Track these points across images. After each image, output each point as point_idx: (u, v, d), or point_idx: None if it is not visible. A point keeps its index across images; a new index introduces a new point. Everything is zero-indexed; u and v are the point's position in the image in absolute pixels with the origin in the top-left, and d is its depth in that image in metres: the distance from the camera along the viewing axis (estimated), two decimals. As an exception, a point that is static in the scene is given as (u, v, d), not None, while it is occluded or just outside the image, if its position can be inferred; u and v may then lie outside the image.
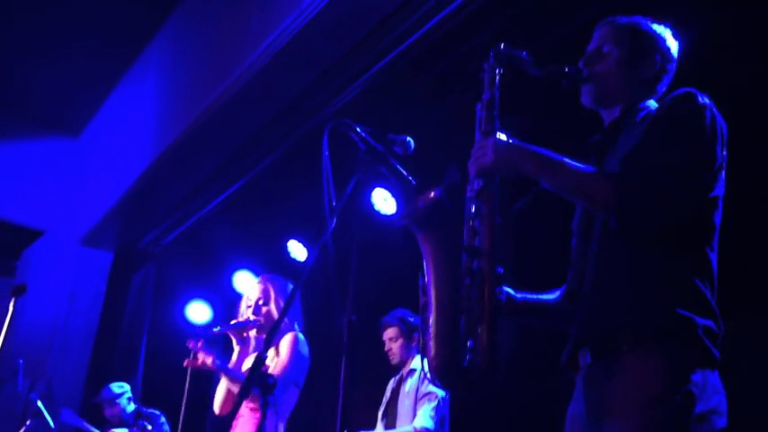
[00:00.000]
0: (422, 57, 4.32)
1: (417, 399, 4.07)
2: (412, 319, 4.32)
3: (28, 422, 4.85)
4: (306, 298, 3.42)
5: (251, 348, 3.53)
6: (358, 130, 2.07)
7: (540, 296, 2.12)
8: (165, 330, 7.07)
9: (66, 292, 6.84)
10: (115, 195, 6.41)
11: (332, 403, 4.88)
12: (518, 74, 1.92)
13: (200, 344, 3.27)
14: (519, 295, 2.07)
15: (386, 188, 5.53)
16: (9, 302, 3.32)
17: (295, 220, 6.29)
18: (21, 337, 6.33)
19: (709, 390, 1.69)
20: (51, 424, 5.02)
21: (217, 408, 3.44)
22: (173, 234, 6.80)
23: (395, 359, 4.29)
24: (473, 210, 1.96)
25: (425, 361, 1.95)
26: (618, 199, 1.74)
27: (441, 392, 4.05)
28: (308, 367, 3.43)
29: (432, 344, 1.92)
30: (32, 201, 7.23)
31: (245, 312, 3.55)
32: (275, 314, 3.46)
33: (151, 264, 7.01)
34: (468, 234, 1.97)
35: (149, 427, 4.91)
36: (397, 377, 4.36)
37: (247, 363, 3.48)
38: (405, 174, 2.06)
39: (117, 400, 5.72)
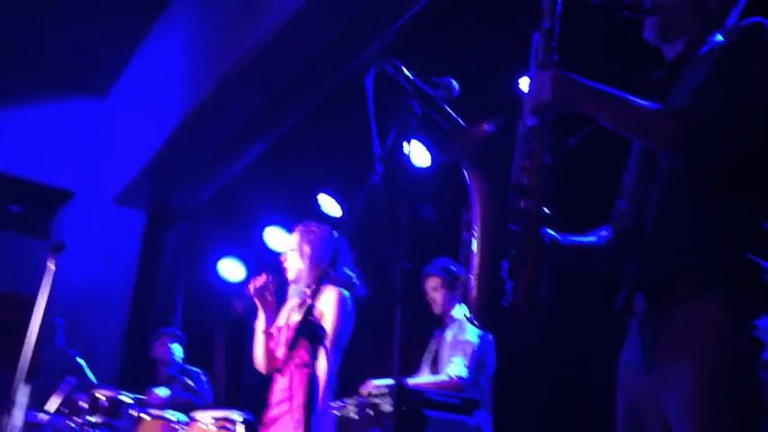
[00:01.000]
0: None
1: (453, 347, 4.05)
2: (454, 269, 4.27)
3: (71, 379, 4.89)
4: (357, 245, 3.34)
5: (290, 295, 3.45)
6: (405, 70, 1.98)
7: (583, 239, 2.04)
8: (200, 289, 7.11)
9: (102, 253, 6.87)
10: (146, 155, 6.38)
11: (383, 351, 4.88)
12: (578, 1, 1.80)
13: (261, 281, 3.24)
14: (564, 238, 1.99)
15: (421, 140, 5.44)
16: (48, 261, 3.30)
17: (325, 174, 6.23)
18: (58, 297, 6.37)
19: None
20: (93, 380, 5.06)
21: (262, 366, 3.39)
22: (205, 192, 6.77)
23: (438, 309, 4.25)
24: (524, 147, 1.88)
25: (466, 300, 1.89)
26: (685, 137, 1.65)
27: (476, 340, 4.01)
28: (351, 326, 3.32)
29: (473, 283, 1.86)
30: (63, 162, 7.23)
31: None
32: (300, 263, 3.38)
33: (184, 222, 7.01)
34: (518, 172, 1.89)
35: (191, 383, 4.94)
36: (441, 328, 4.33)
37: (280, 317, 3.42)
38: (455, 117, 1.96)
39: (171, 341, 5.78)
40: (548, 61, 1.86)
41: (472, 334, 4.03)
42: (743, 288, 1.62)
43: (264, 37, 4.95)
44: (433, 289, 4.26)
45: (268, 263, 7.13)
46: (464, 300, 1.85)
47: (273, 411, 3.15)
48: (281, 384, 3.23)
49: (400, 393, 1.66)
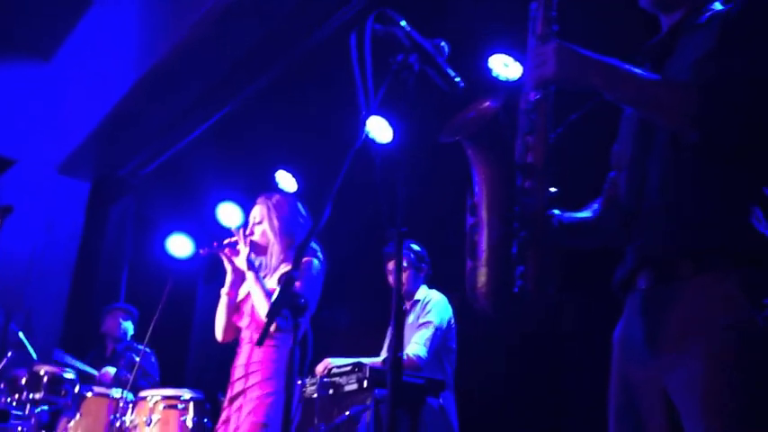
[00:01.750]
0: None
1: (416, 328, 3.97)
2: (419, 249, 4.18)
3: (9, 354, 4.64)
4: (350, 210, 3.20)
5: (257, 265, 3.31)
6: (402, 24, 1.84)
7: (580, 215, 1.96)
8: (145, 263, 6.87)
9: (43, 222, 6.56)
10: (93, 122, 6.09)
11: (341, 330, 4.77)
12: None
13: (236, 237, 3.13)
14: (565, 217, 1.91)
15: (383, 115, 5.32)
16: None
17: (284, 150, 6.07)
18: (-4, 267, 6.09)
19: None
20: (34, 355, 4.83)
21: (219, 335, 3.25)
22: (153, 164, 6.52)
23: (402, 290, 4.14)
24: (527, 124, 1.79)
25: (472, 289, 1.79)
26: (703, 112, 1.58)
27: (439, 322, 3.94)
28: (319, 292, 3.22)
29: (483, 269, 1.76)
30: (4, 127, 6.86)
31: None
32: (270, 235, 3.25)
33: (131, 194, 6.75)
34: (521, 150, 1.80)
35: (137, 359, 4.74)
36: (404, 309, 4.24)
37: (245, 287, 3.28)
38: (453, 76, 1.84)
39: (122, 315, 5.58)
40: (548, 32, 1.78)
41: (436, 316, 3.96)
42: (757, 265, 1.57)
43: (223, 1, 4.75)
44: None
45: (219, 239, 6.96)
46: (470, 289, 1.75)
47: (236, 387, 3.01)
48: (242, 359, 3.10)
49: (395, 369, 1.54)
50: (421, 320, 3.99)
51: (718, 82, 1.59)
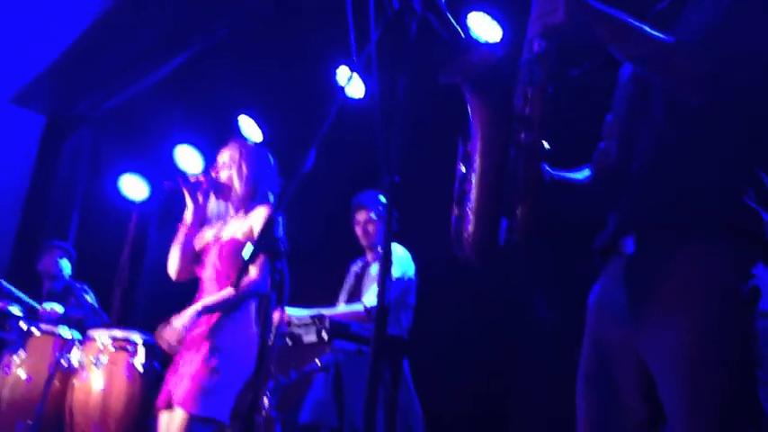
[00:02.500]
0: None
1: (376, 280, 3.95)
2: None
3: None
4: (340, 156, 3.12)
5: (210, 212, 3.25)
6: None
7: (571, 176, 1.95)
8: (97, 202, 6.70)
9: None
10: (53, 53, 5.85)
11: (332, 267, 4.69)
12: None
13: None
14: (557, 174, 1.89)
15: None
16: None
17: (247, 96, 5.95)
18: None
19: None
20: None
21: (173, 272, 3.18)
22: (112, 101, 6.33)
23: (367, 241, 4.12)
24: (528, 75, 1.76)
25: (457, 237, 1.77)
26: (709, 71, 1.56)
27: (398, 275, 3.94)
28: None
29: (471, 218, 1.74)
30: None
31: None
32: (237, 180, 3.18)
33: (86, 131, 6.54)
34: (520, 102, 1.77)
35: (90, 301, 4.65)
36: (362, 261, 4.23)
37: (209, 230, 3.22)
38: (455, 24, 1.80)
39: (60, 256, 5.45)
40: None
41: (397, 269, 3.96)
42: (744, 235, 1.58)
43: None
44: (367, 221, 4.12)
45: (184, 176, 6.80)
46: (455, 236, 1.72)
47: (194, 333, 2.96)
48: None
49: (381, 317, 1.52)
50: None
51: (728, 46, 1.58)
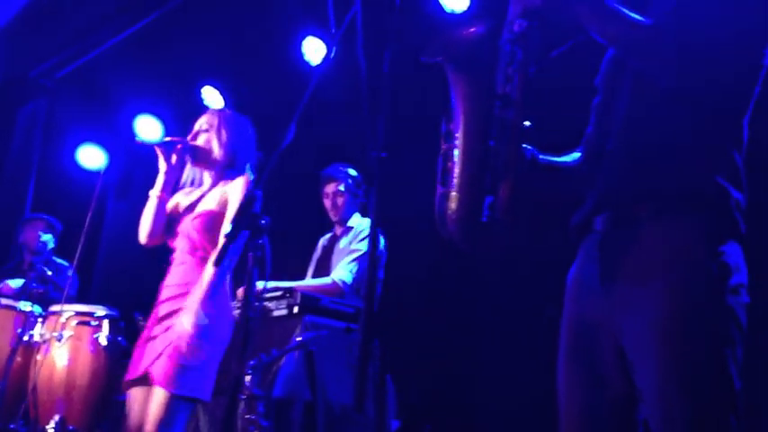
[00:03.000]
0: None
1: (345, 254, 3.94)
2: (357, 175, 4.12)
3: None
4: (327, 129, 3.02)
5: (185, 178, 3.16)
6: None
7: (558, 159, 1.96)
8: (54, 173, 6.53)
9: None
10: (6, 15, 5.64)
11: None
12: None
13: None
14: (541, 156, 1.90)
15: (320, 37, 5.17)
16: None
17: (211, 66, 5.82)
18: None
19: (740, 263, 1.62)
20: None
21: (144, 237, 3.08)
22: (69, 68, 6.13)
23: (336, 215, 4.09)
24: (508, 55, 1.75)
25: (441, 214, 1.76)
26: (681, 57, 1.59)
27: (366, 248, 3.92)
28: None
29: (454, 194, 1.73)
30: None
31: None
32: (215, 146, 3.09)
33: (42, 98, 6.33)
34: (501, 81, 1.76)
35: (49, 273, 4.53)
36: (330, 235, 4.19)
37: (183, 197, 3.14)
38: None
39: (42, 227, 5.31)
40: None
41: (366, 243, 3.93)
42: (713, 212, 1.61)
43: None
44: (336, 194, 4.09)
45: (135, 153, 6.68)
46: (438, 213, 1.71)
47: (166, 307, 2.89)
48: (174, 279, 2.97)
49: (369, 299, 1.50)
50: (352, 247, 3.97)
51: (695, 28, 1.60)
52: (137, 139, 3.13)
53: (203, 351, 2.76)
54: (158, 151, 3.06)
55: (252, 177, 3.11)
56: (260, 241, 1.84)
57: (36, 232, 5.29)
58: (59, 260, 5.24)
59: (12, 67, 6.28)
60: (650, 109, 1.69)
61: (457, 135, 1.75)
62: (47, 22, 5.65)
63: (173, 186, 3.11)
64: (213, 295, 2.81)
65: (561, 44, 1.99)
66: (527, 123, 1.78)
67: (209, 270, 2.76)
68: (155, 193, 3.05)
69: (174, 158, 3.06)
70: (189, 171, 3.16)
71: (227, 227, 2.89)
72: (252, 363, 2.38)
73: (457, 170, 1.73)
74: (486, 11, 4.00)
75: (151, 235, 3.07)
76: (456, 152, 1.74)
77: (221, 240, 2.87)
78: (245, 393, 2.00)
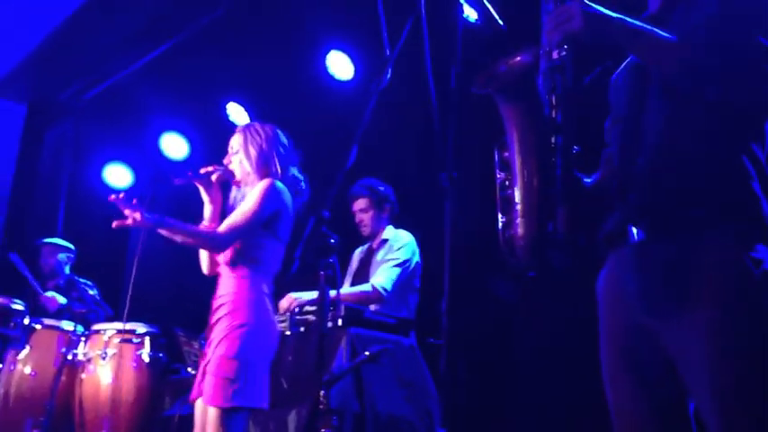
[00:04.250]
0: None
1: (383, 263, 4.00)
2: (382, 189, 4.19)
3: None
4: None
5: (232, 200, 3.22)
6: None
7: (589, 179, 2.01)
8: (82, 193, 6.62)
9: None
10: (33, 41, 5.73)
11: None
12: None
13: (121, 196, 2.81)
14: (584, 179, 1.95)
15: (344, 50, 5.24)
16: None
17: (235, 82, 5.90)
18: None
19: None
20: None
21: (205, 269, 3.15)
22: (96, 89, 6.22)
23: (367, 230, 4.16)
24: (550, 82, 1.81)
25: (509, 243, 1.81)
26: (721, 73, 1.66)
27: (404, 258, 3.97)
28: (288, 218, 3.07)
29: (520, 220, 1.79)
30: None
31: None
32: (246, 165, 3.15)
33: (69, 119, 6.43)
34: (546, 109, 1.82)
35: (91, 293, 4.61)
36: (366, 248, 4.25)
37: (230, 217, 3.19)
38: (495, 15, 1.83)
39: (59, 253, 5.36)
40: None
41: (404, 253, 4.00)
42: (750, 221, 1.65)
43: None
44: (362, 210, 4.16)
45: (161, 171, 6.76)
46: (506, 243, 1.76)
47: (215, 316, 2.96)
48: (217, 292, 3.03)
49: (449, 312, 1.56)
50: (389, 256, 4.01)
51: (734, 44, 1.66)
52: (175, 182, 3.14)
53: (241, 361, 2.80)
54: (198, 185, 3.11)
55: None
56: (330, 260, 1.90)
57: (54, 257, 5.35)
58: (82, 279, 5.30)
59: (40, 91, 6.38)
60: (689, 121, 1.73)
61: (514, 163, 1.80)
62: (72, 46, 5.74)
63: (220, 213, 3.17)
64: (249, 304, 2.88)
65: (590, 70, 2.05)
66: (576, 148, 1.83)
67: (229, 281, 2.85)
68: (203, 226, 3.11)
69: (214, 189, 3.11)
70: (234, 191, 3.22)
71: (227, 219, 2.97)
72: (325, 377, 2.44)
73: (518, 198, 1.79)
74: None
75: (211, 265, 3.13)
76: (516, 180, 1.79)
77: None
78: (321, 407, 2.05)
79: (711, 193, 1.67)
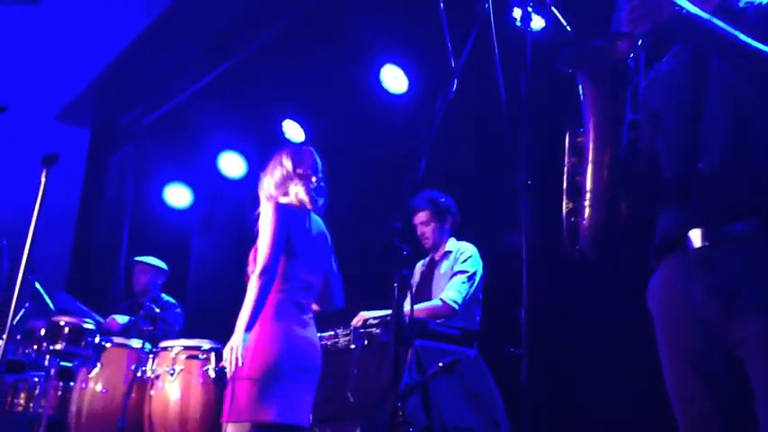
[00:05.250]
0: None
1: (450, 276, 3.97)
2: (443, 200, 4.18)
3: (26, 305, 4.58)
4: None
5: None
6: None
7: None
8: (147, 213, 6.79)
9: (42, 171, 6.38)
10: (95, 69, 5.93)
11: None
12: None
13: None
14: None
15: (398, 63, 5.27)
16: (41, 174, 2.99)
17: (290, 100, 5.99)
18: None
19: None
20: (51, 306, 4.77)
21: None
22: (156, 113, 6.40)
23: (429, 243, 4.15)
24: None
25: (573, 228, 1.80)
26: None
27: (472, 270, 3.95)
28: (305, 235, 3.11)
29: (587, 209, 1.75)
30: (-7, 74, 6.62)
31: None
32: (271, 189, 3.19)
33: (131, 143, 6.61)
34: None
35: (157, 310, 4.71)
36: (428, 260, 4.25)
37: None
38: (563, 21, 1.82)
39: (156, 273, 5.51)
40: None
41: (471, 265, 3.97)
42: None
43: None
44: (423, 223, 4.16)
45: (219, 189, 6.90)
46: (569, 230, 1.74)
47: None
48: None
49: (529, 323, 1.56)
50: (456, 269, 3.98)
51: None
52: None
53: (260, 379, 2.82)
54: None
55: (283, 199, 3.17)
56: (404, 272, 1.91)
57: (147, 275, 5.48)
58: (167, 297, 5.43)
59: (102, 116, 6.58)
60: (764, 121, 1.69)
61: (588, 150, 1.76)
62: (132, 73, 5.91)
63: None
64: (268, 323, 2.91)
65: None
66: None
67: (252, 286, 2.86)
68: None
69: None
70: None
71: (259, 245, 2.98)
72: (400, 389, 2.45)
73: (588, 185, 1.74)
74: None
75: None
76: (588, 165, 1.75)
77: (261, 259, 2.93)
78: (400, 421, 2.06)
79: None
